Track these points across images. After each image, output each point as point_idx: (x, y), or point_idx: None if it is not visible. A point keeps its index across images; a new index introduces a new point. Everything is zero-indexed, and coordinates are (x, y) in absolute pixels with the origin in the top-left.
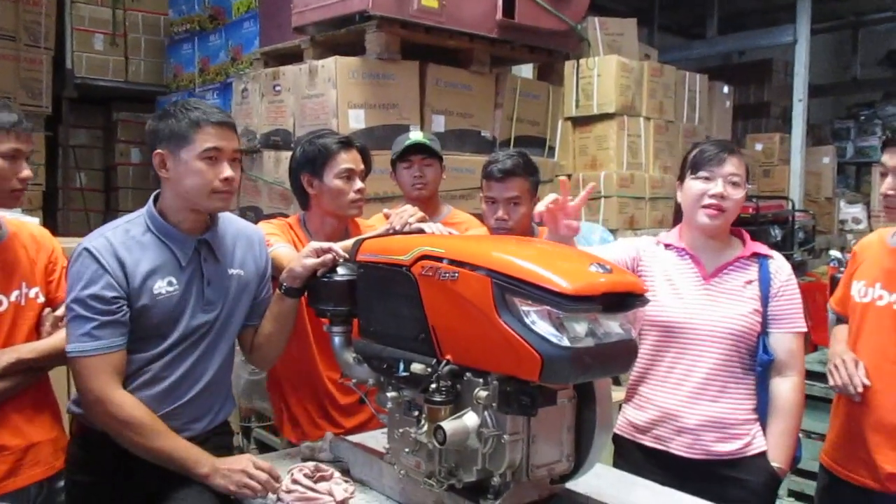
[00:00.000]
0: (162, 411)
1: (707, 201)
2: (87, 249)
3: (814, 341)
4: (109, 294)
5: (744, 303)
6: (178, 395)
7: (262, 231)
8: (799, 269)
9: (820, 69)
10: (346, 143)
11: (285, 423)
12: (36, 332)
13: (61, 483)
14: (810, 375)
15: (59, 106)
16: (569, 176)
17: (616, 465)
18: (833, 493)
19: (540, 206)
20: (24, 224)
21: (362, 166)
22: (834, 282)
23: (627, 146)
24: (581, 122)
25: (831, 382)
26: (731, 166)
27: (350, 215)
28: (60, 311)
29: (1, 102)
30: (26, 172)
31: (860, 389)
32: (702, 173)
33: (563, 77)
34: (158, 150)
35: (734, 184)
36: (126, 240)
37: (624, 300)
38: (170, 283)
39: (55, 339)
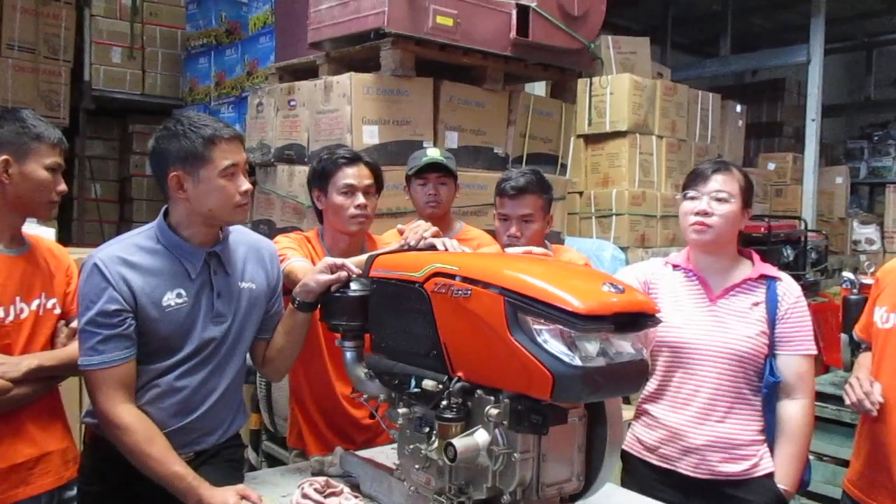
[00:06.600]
0: (175, 426)
1: (692, 219)
2: (94, 263)
3: (825, 362)
4: (112, 307)
5: (750, 324)
6: (190, 408)
7: (276, 245)
8: (811, 289)
9: (833, 89)
10: (351, 158)
11: (296, 434)
12: (51, 344)
13: (71, 493)
14: (822, 397)
15: (76, 117)
16: (580, 193)
17: (623, 481)
18: None
19: None
20: (41, 238)
21: (368, 182)
22: (847, 304)
23: (639, 164)
24: (593, 139)
25: (847, 401)
26: (716, 183)
27: (351, 231)
28: (75, 324)
29: (45, 119)
30: (62, 186)
31: (877, 405)
32: (690, 193)
33: (576, 95)
34: (175, 173)
35: (719, 199)
36: (134, 252)
37: (636, 320)
38: (178, 295)
39: (72, 349)
